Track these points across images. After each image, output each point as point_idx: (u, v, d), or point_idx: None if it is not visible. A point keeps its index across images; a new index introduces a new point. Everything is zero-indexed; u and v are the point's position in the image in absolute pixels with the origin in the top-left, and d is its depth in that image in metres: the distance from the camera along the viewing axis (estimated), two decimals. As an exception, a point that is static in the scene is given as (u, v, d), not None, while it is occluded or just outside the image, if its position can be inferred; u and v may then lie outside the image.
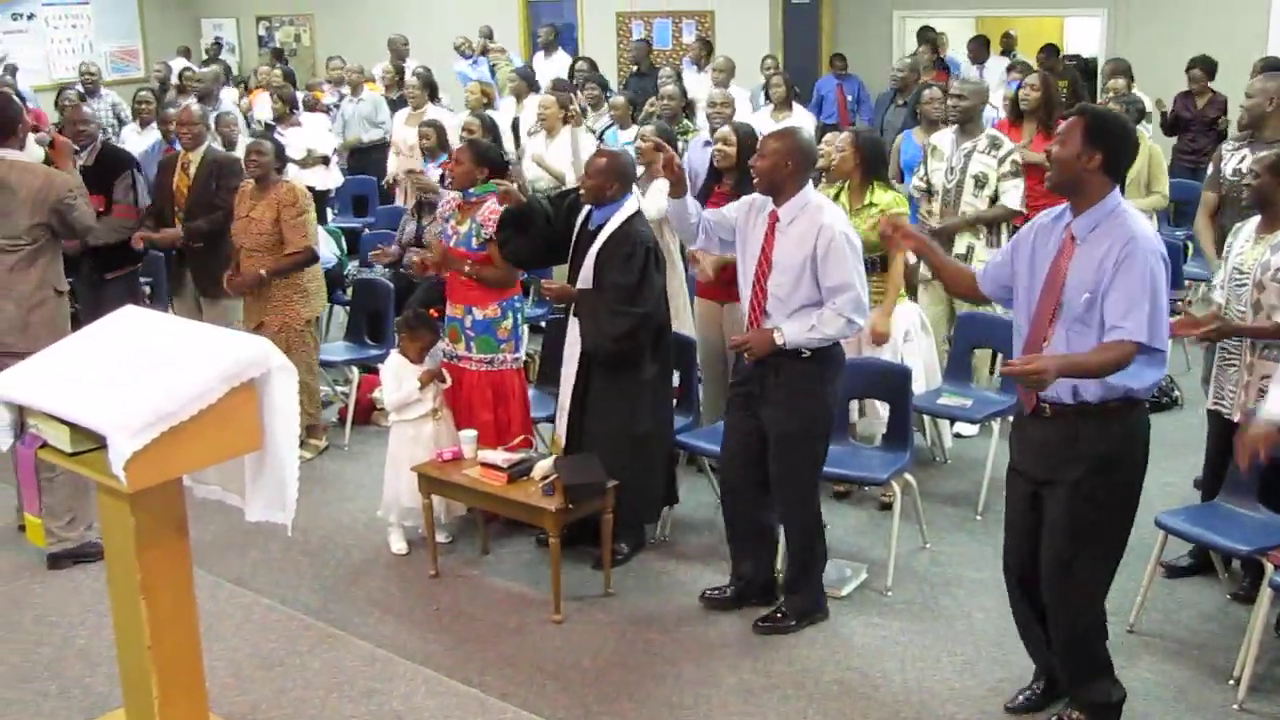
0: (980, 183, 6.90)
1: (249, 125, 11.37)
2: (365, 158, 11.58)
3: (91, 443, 3.66)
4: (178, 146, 7.77)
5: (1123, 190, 7.65)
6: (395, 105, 11.65)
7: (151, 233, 7.31)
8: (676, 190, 5.04)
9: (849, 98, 12.57)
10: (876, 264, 6.15)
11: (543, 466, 5.44)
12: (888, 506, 6.14)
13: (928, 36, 12.27)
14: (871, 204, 6.13)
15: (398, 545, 6.01)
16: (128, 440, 3.44)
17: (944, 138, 7.20)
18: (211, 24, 18.04)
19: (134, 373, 3.71)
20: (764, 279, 4.98)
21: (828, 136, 6.85)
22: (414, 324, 6.01)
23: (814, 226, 4.87)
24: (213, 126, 9.08)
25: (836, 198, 6.18)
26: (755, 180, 5.03)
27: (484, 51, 13.14)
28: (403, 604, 5.53)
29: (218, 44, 17.36)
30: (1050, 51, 11.74)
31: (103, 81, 12.92)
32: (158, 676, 3.87)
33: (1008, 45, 13.10)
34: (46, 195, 5.82)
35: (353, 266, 9.14)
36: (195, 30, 17.99)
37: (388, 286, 7.74)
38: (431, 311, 6.17)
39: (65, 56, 16.75)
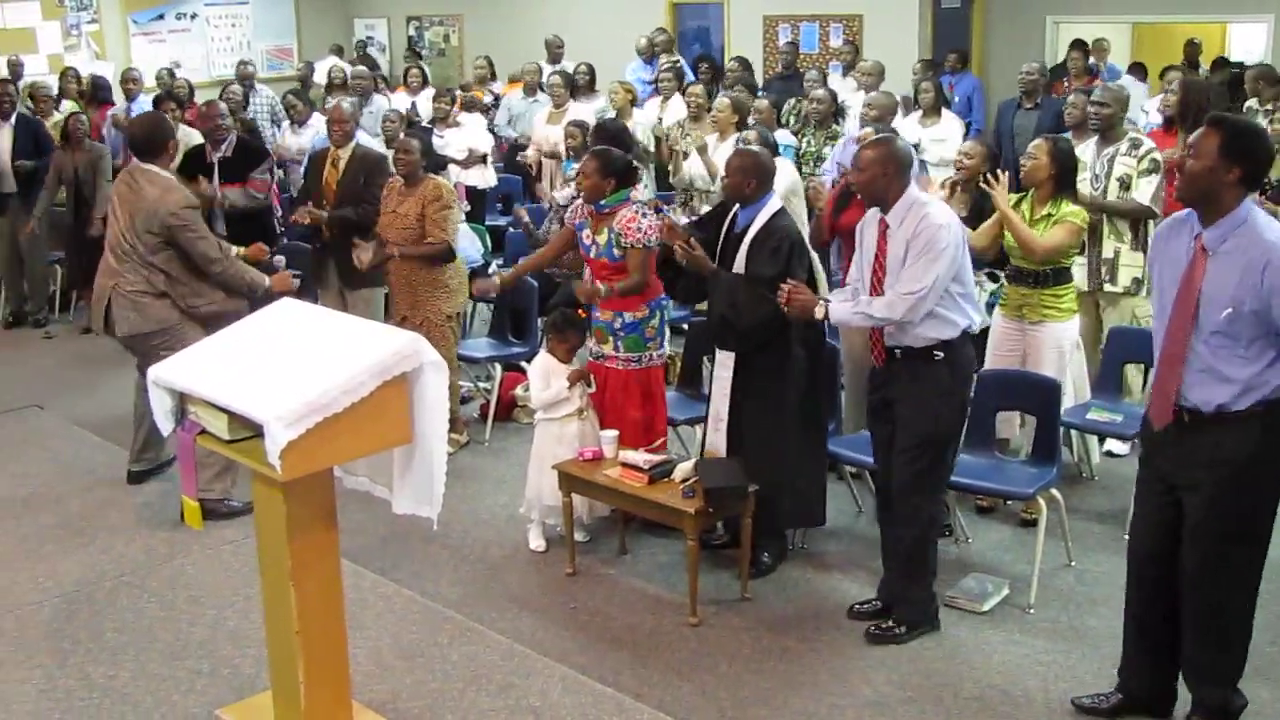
0: (1125, 185, 6.72)
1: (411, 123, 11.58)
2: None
3: (247, 431, 3.77)
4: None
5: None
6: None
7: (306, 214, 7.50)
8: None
9: (957, 97, 12.26)
10: (1049, 276, 6.05)
11: (684, 469, 5.44)
12: (1031, 523, 6.02)
13: (1081, 44, 11.99)
14: (1049, 215, 6.01)
15: (536, 542, 6.05)
16: (283, 430, 3.52)
17: (1086, 148, 7.01)
18: (363, 24, 18.40)
19: (291, 364, 3.80)
20: (879, 285, 5.01)
21: (965, 145, 6.79)
22: (562, 325, 6.05)
23: (916, 221, 4.89)
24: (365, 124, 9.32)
25: (1017, 205, 6.08)
26: (858, 193, 5.04)
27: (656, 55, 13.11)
28: (539, 601, 5.57)
29: (363, 43, 17.65)
30: (1218, 64, 11.39)
31: (257, 78, 13.28)
32: (304, 661, 3.96)
33: (1191, 55, 12.71)
34: (156, 208, 6.08)
35: (496, 264, 9.24)
36: (348, 30, 18.35)
37: (532, 285, 7.80)
38: (580, 312, 6.20)
39: (224, 55, 17.25)
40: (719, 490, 5.25)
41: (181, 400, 4.01)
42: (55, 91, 12.09)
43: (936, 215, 4.92)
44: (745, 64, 11.87)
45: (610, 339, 6.08)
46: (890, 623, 5.18)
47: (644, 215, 5.98)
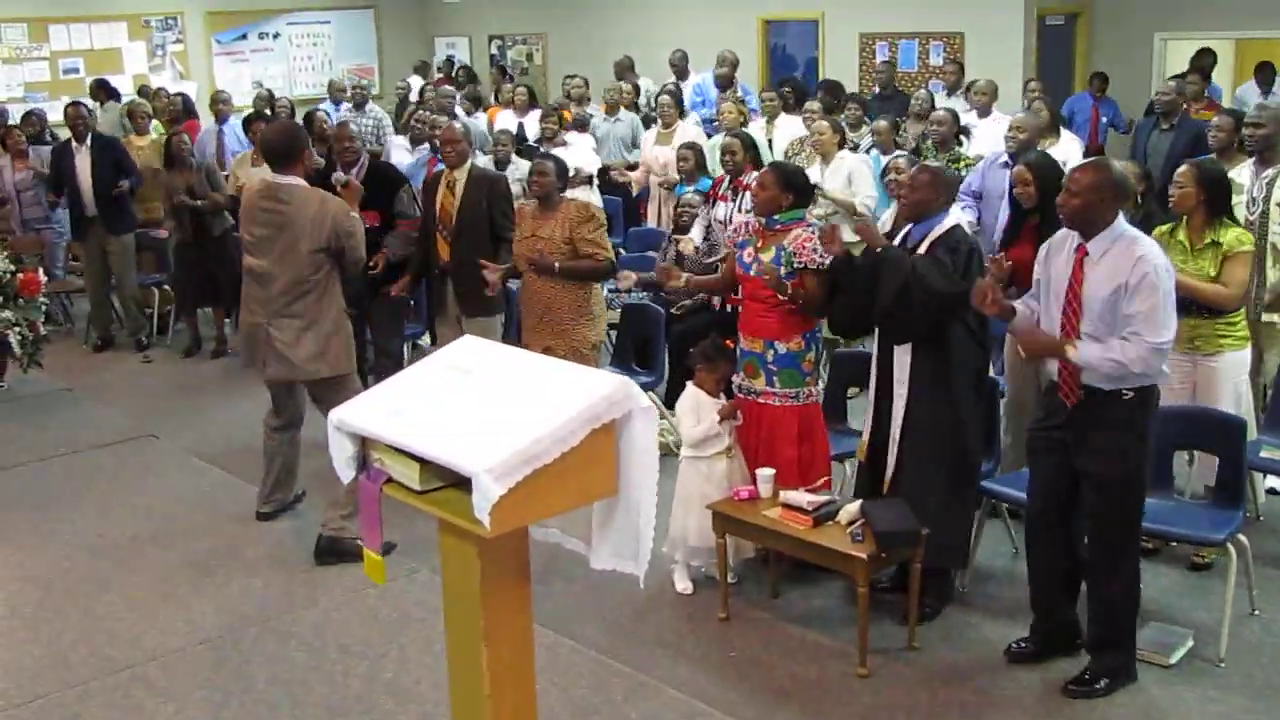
0: None
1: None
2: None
3: (439, 481, 3.53)
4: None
5: None
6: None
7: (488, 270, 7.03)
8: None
9: (1103, 120, 12.04)
10: None
11: (849, 510, 5.19)
12: (1202, 566, 5.74)
13: (1202, 62, 11.65)
14: (1215, 243, 5.71)
15: (683, 584, 5.81)
16: (494, 483, 3.26)
17: (1242, 170, 6.69)
18: (445, 42, 18.29)
19: (490, 409, 3.56)
20: (1075, 317, 4.70)
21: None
22: (712, 355, 5.78)
23: (1129, 259, 4.58)
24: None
25: (1173, 235, 5.80)
26: (1063, 217, 4.76)
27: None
28: (694, 647, 5.32)
29: (450, 61, 17.49)
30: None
31: (371, 94, 13.15)
32: (494, 726, 3.72)
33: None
34: (323, 220, 5.91)
35: (608, 290, 9.00)
36: (429, 49, 18.26)
37: (659, 312, 7.57)
38: (727, 342, 5.94)
39: (306, 74, 17.26)
40: (890, 534, 5.00)
41: (363, 445, 3.78)
42: (151, 110, 12.06)
43: (1153, 251, 4.62)
44: (833, 88, 11.56)
45: (762, 373, 5.81)
46: (1088, 674, 4.90)
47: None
